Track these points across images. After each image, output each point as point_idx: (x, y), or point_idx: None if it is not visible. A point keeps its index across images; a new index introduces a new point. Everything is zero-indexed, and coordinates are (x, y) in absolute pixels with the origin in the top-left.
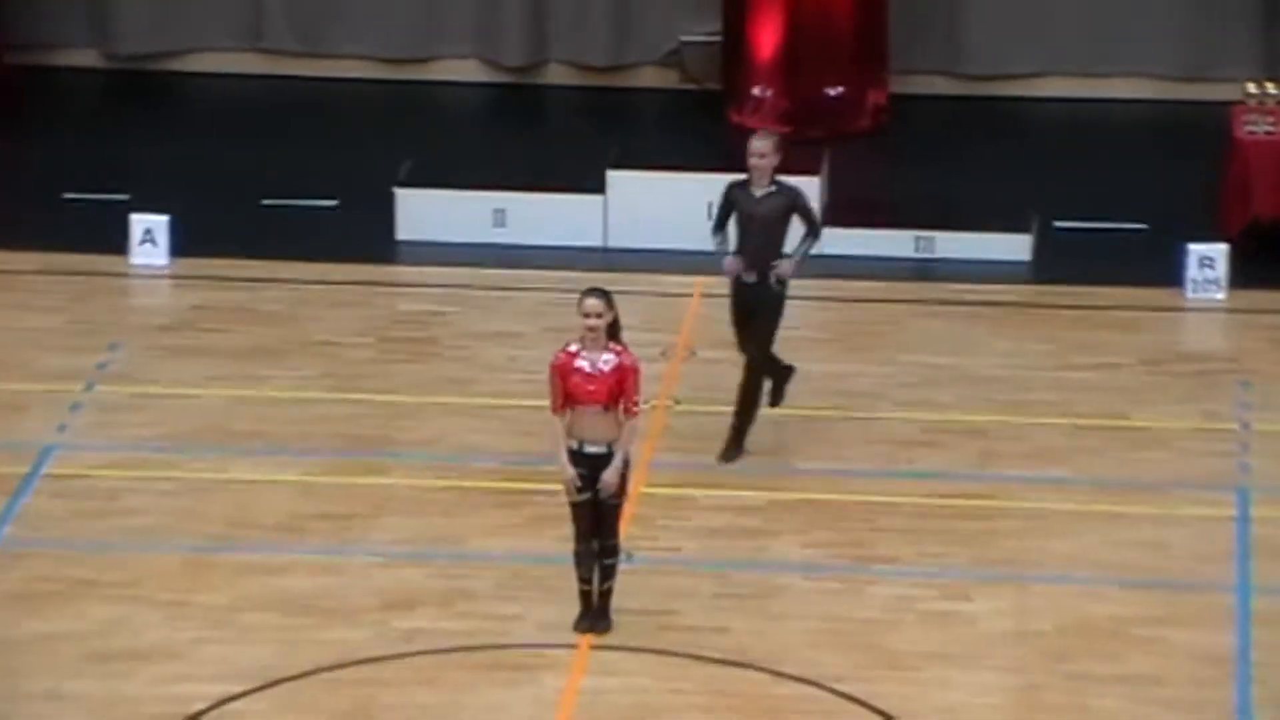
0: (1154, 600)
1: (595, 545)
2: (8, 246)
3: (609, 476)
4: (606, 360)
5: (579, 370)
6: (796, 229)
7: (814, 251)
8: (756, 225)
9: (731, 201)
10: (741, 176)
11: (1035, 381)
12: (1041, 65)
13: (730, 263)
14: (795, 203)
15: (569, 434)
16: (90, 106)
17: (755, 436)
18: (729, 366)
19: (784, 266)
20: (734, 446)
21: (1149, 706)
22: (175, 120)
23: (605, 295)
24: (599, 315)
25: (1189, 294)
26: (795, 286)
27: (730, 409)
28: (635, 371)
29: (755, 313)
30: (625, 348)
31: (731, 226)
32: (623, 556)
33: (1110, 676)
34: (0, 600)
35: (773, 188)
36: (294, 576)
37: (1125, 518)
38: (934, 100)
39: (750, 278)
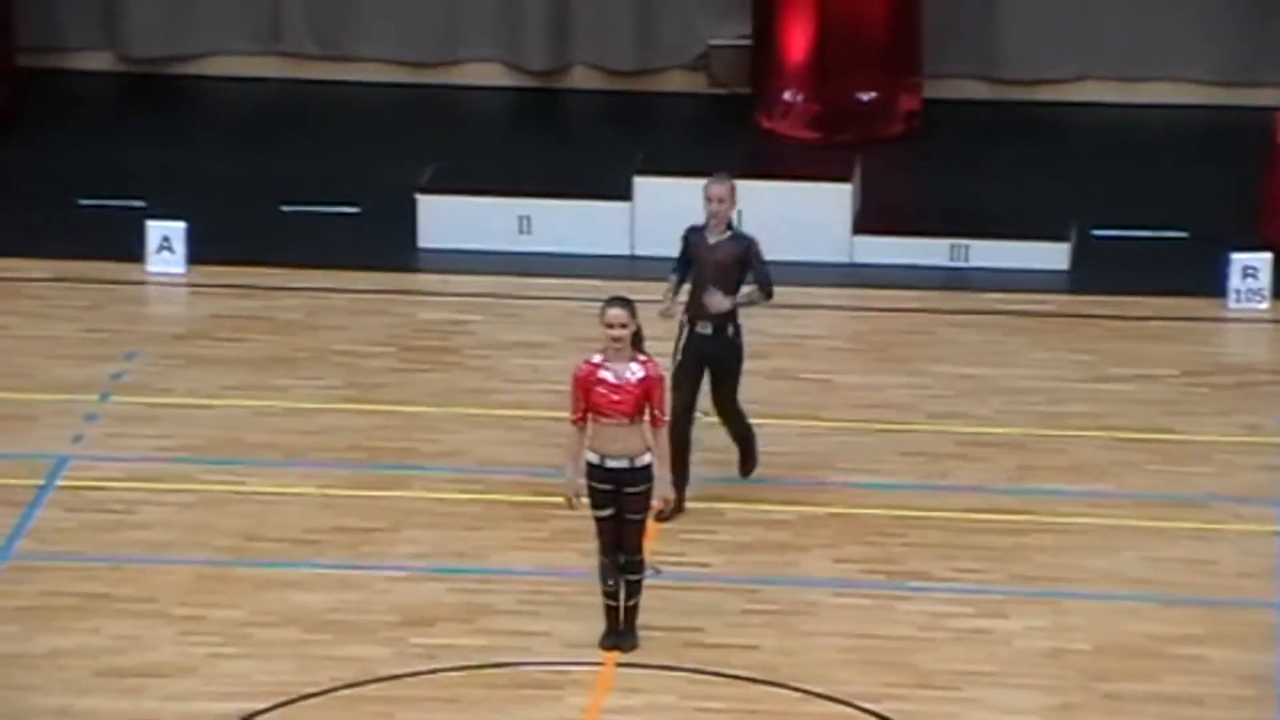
0: (1194, 618)
1: (620, 559)
2: (22, 254)
3: (664, 491)
4: (632, 371)
5: (603, 381)
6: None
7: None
8: (710, 271)
9: (688, 245)
10: (699, 222)
11: (1073, 393)
12: (1079, 69)
13: (665, 308)
14: (748, 251)
15: (590, 447)
16: (105, 111)
17: (785, 448)
18: (759, 378)
19: (716, 296)
20: (748, 460)
21: None
22: (192, 125)
23: (628, 305)
24: (623, 325)
25: (1231, 304)
26: (826, 295)
27: (753, 421)
28: (661, 381)
29: (715, 369)
30: (650, 358)
31: None
32: (649, 572)
33: (1149, 696)
34: (12, 614)
35: (727, 234)
36: (312, 591)
37: (1165, 533)
38: (969, 105)
39: (705, 329)
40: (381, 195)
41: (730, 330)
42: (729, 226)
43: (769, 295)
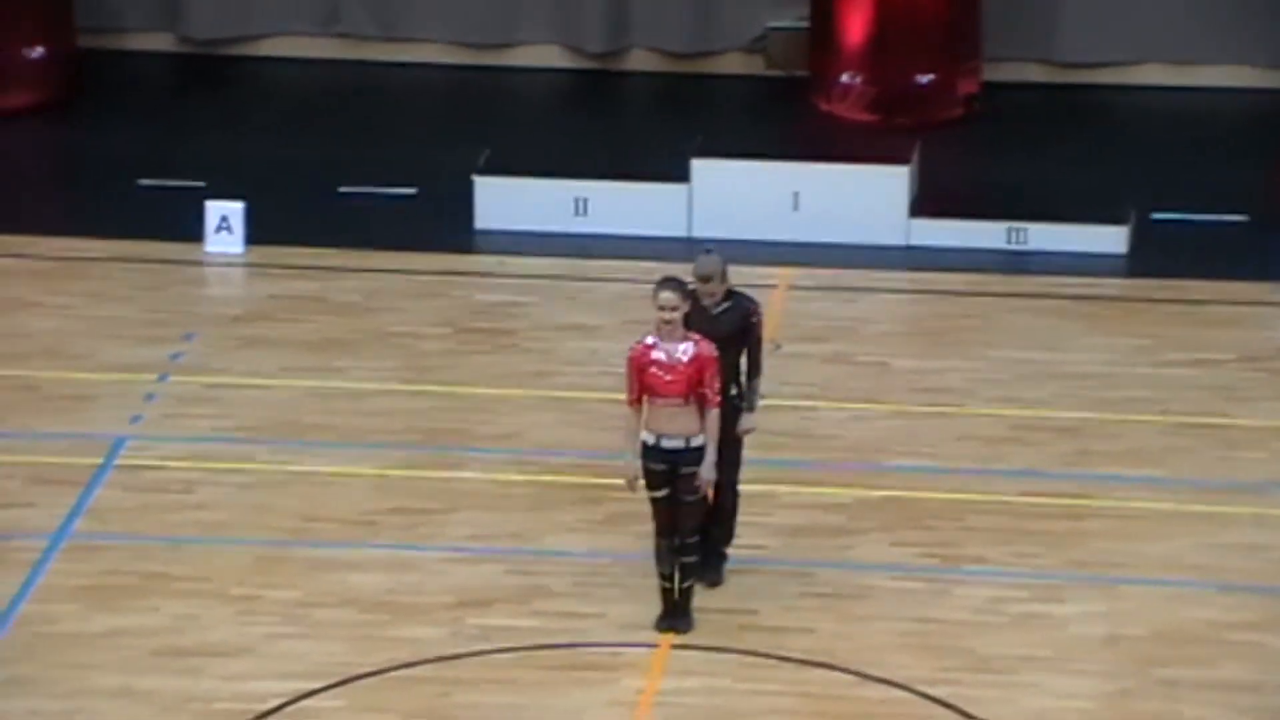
0: (1251, 605)
1: (676, 542)
2: (81, 234)
3: (707, 473)
4: (684, 350)
5: (656, 362)
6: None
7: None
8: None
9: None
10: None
11: (1130, 378)
12: (1138, 52)
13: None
14: (749, 317)
15: (646, 427)
16: (165, 92)
17: (840, 432)
18: (816, 361)
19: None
20: (718, 533)
21: (1244, 715)
22: (251, 106)
23: (681, 286)
24: (674, 308)
25: None
26: (883, 279)
27: (808, 404)
28: (714, 360)
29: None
30: (703, 337)
31: None
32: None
33: (1204, 683)
34: (71, 593)
35: (728, 303)
36: (368, 572)
37: (1222, 519)
38: (1027, 88)
39: None
40: (439, 177)
41: (734, 391)
42: (729, 294)
43: (757, 374)
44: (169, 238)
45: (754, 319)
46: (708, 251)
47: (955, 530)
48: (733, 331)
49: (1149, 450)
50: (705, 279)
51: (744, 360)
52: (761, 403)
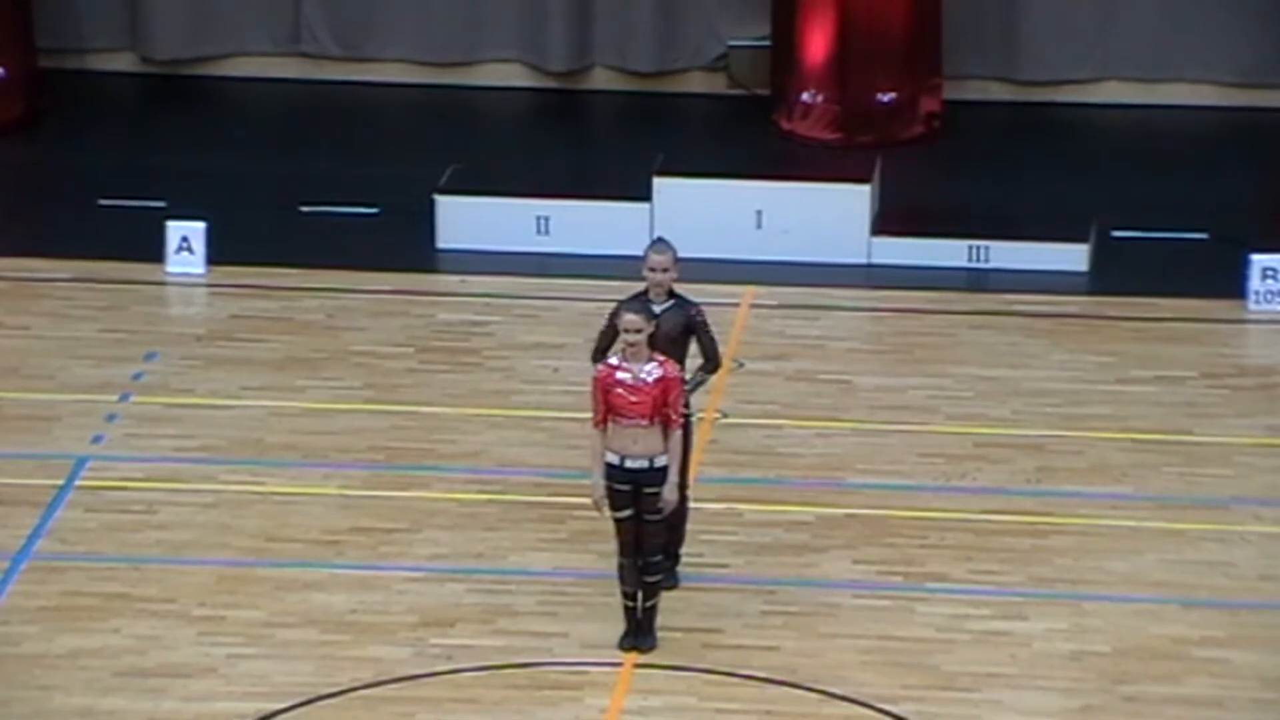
0: (1215, 621)
1: (639, 561)
2: (42, 254)
3: (669, 494)
4: (649, 371)
5: (621, 383)
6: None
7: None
8: (657, 346)
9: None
10: (629, 295)
11: (1092, 395)
12: (1100, 70)
13: None
14: (692, 319)
15: (610, 447)
16: (126, 111)
17: (804, 450)
18: (778, 379)
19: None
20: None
21: None
22: (212, 125)
23: (645, 308)
24: (638, 331)
25: (1251, 305)
26: (845, 296)
27: (772, 422)
28: (679, 381)
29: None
30: (668, 358)
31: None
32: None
33: (1169, 699)
34: (33, 615)
35: (671, 302)
36: (331, 592)
37: (1185, 535)
38: (989, 106)
39: None
40: (401, 196)
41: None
42: (671, 294)
43: (715, 369)
44: (130, 258)
45: (698, 317)
46: (660, 240)
47: (918, 548)
48: (675, 332)
49: (1112, 467)
50: (664, 269)
51: (693, 362)
52: (725, 421)
